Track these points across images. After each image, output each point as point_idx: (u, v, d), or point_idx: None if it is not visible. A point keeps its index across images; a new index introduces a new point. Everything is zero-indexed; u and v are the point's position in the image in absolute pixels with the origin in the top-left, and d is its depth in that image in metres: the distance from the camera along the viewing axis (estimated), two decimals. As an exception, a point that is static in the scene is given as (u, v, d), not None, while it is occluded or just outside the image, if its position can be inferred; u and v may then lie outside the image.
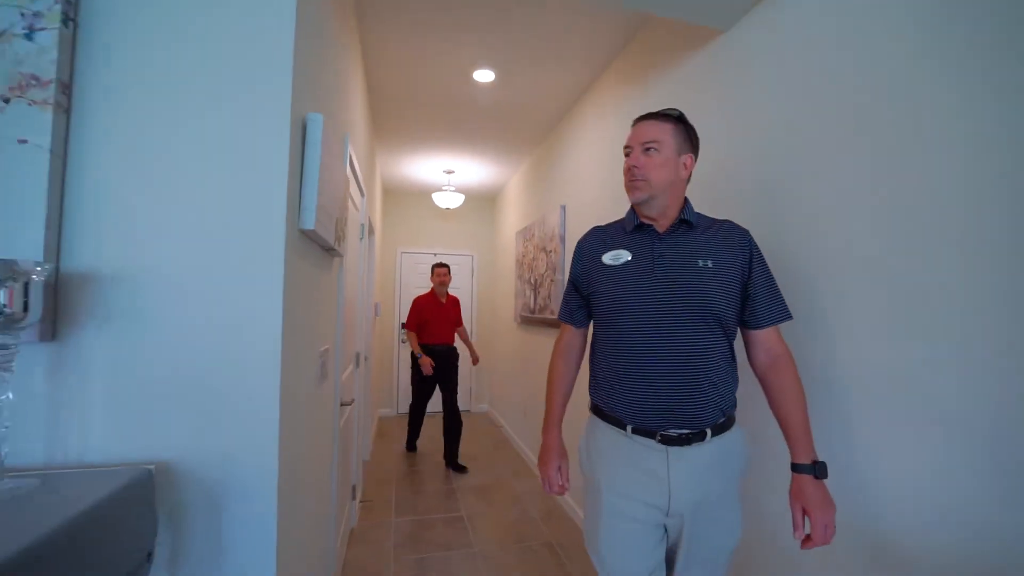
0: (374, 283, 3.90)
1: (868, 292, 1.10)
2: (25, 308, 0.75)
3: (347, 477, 2.32)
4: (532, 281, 3.83)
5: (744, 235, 1.12)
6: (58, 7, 0.86)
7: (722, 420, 1.07)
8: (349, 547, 2.41)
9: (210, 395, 0.94)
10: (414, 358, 3.73)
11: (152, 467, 0.87)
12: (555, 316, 3.19)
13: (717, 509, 1.07)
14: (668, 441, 1.05)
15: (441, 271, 3.80)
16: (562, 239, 3.16)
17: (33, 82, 0.84)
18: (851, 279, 1.14)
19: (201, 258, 0.94)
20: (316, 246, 1.34)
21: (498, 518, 2.81)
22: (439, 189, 4.98)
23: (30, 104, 0.84)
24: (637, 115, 1.18)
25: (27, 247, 0.83)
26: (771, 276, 1.11)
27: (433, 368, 3.64)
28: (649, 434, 1.06)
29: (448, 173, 4.54)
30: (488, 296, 5.62)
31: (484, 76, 2.63)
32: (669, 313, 1.06)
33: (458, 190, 5.09)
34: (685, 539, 1.08)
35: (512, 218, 4.70)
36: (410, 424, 3.94)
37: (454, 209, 5.43)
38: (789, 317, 1.10)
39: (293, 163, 1.03)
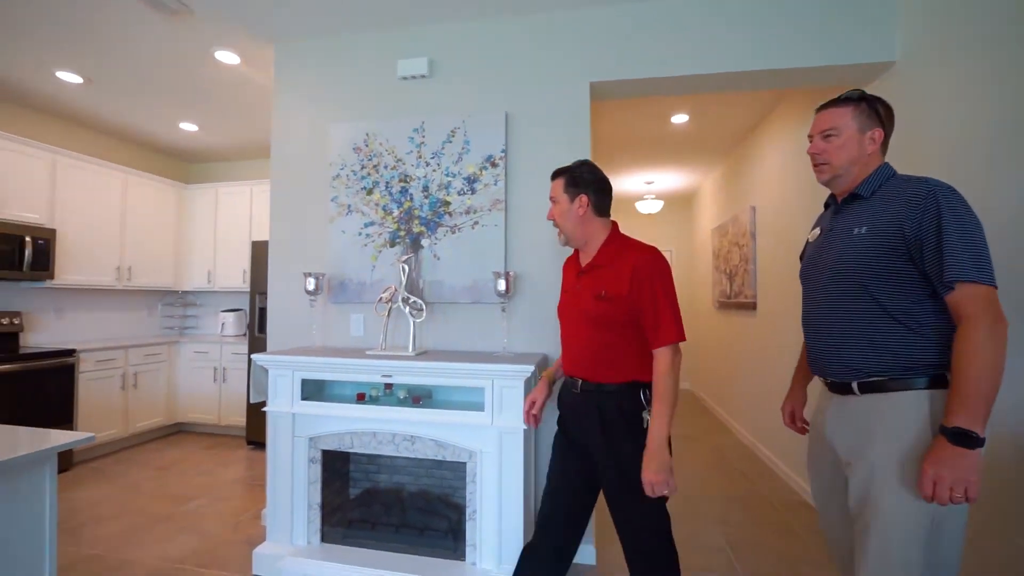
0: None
1: None
2: (507, 289, 2.06)
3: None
4: (728, 271, 4.49)
5: (917, 194, 1.03)
6: (504, 172, 2.18)
7: (872, 379, 1.07)
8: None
9: (553, 325, 2.16)
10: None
11: (544, 354, 2.14)
12: (749, 300, 3.85)
13: (872, 469, 1.04)
14: (831, 388, 1.17)
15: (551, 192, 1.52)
16: (753, 235, 3.80)
17: (498, 201, 2.18)
18: None
19: (551, 266, 2.17)
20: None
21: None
22: (641, 198, 5.94)
23: (498, 211, 2.18)
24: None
25: (499, 265, 2.17)
26: (955, 233, 0.97)
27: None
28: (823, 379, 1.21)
29: (648, 184, 5.46)
30: (686, 284, 6.33)
31: (680, 119, 3.52)
32: (824, 279, 1.17)
33: (657, 196, 5.96)
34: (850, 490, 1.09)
35: (706, 218, 5.37)
36: None
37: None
38: (970, 279, 0.95)
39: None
